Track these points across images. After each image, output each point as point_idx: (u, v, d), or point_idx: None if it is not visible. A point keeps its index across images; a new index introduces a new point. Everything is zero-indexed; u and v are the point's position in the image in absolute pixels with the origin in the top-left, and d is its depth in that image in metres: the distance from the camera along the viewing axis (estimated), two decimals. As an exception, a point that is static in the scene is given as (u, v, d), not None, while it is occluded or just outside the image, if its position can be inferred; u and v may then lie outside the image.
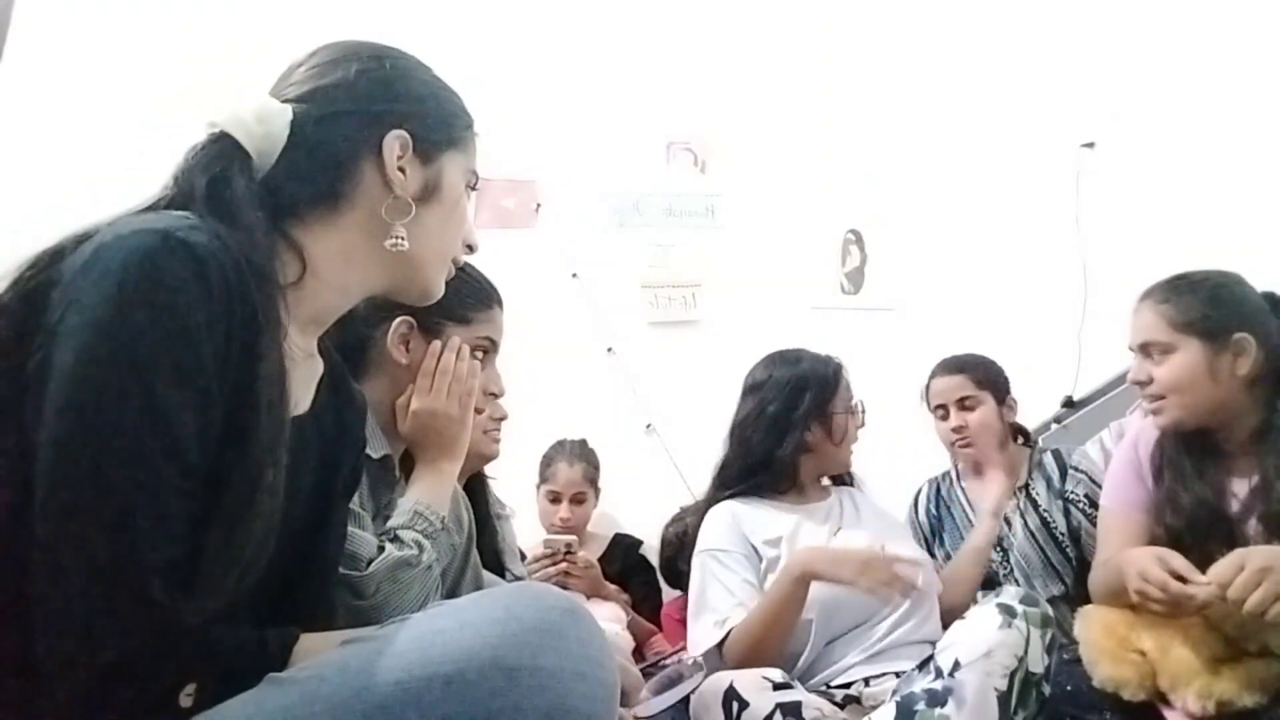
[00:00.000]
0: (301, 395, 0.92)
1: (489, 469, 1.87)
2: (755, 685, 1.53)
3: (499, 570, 1.82)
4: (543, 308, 3.00)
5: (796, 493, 1.97)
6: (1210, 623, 1.46)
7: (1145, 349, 1.66)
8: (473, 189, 1.03)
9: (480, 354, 1.39)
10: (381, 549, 1.20)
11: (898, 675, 1.66)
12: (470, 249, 1.06)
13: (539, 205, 3.16)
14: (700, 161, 3.22)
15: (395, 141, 0.91)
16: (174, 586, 0.70)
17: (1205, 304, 1.62)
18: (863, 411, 2.02)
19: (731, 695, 1.51)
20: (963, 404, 2.25)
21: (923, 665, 1.54)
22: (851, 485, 2.12)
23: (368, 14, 2.92)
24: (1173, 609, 1.43)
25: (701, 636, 1.78)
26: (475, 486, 1.82)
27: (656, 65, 3.13)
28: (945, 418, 2.28)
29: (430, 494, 1.30)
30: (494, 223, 3.14)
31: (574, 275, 3.08)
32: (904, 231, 3.07)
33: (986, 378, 2.28)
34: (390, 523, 1.26)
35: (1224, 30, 2.87)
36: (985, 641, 1.46)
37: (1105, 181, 2.94)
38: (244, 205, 0.82)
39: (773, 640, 1.70)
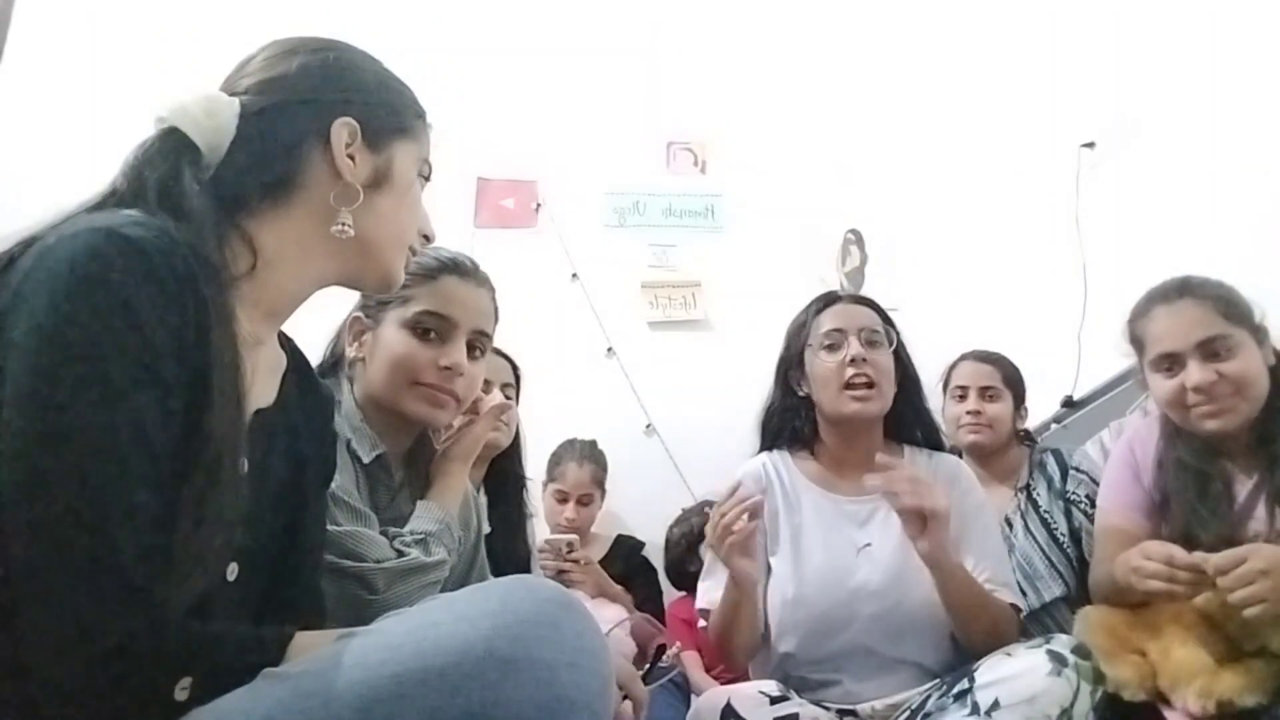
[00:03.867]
0: (265, 388, 0.93)
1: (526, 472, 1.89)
2: (753, 701, 1.49)
3: (527, 572, 1.83)
4: (543, 308, 3.01)
5: (831, 468, 1.76)
6: (1211, 623, 1.46)
7: (1208, 346, 1.55)
8: (426, 179, 1.03)
9: (427, 331, 1.35)
10: (399, 553, 1.21)
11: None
12: (426, 239, 1.06)
13: (539, 205, 3.16)
14: (700, 161, 3.22)
15: (343, 129, 0.92)
16: (156, 576, 0.70)
17: (1236, 295, 1.58)
18: (864, 341, 1.69)
19: (729, 712, 1.47)
20: (985, 392, 2.27)
21: (959, 697, 1.46)
22: (920, 442, 1.81)
23: (370, 14, 2.92)
24: (1171, 584, 1.40)
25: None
26: (509, 488, 1.83)
27: (656, 65, 3.13)
28: (962, 399, 2.28)
29: (451, 502, 1.34)
30: (494, 223, 3.15)
31: (574, 275, 3.08)
32: (904, 231, 3.07)
33: (1011, 376, 2.31)
34: (421, 526, 1.28)
35: (1224, 31, 2.87)
36: (1031, 687, 1.39)
37: (1105, 181, 2.94)
38: (193, 199, 0.83)
39: (728, 645, 1.65)
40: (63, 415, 0.69)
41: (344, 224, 0.92)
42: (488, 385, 1.81)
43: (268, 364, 0.94)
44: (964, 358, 2.35)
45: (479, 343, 1.40)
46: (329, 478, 1.10)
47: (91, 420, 0.69)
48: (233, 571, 0.86)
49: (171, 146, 0.86)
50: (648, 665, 1.64)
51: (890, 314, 1.82)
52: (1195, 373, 1.55)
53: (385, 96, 0.98)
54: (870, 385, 1.68)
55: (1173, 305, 1.61)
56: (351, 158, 0.92)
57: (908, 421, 1.80)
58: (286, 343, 1.01)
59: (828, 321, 1.75)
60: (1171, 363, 1.60)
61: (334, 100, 0.93)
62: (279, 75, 0.92)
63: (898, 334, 1.77)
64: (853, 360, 1.67)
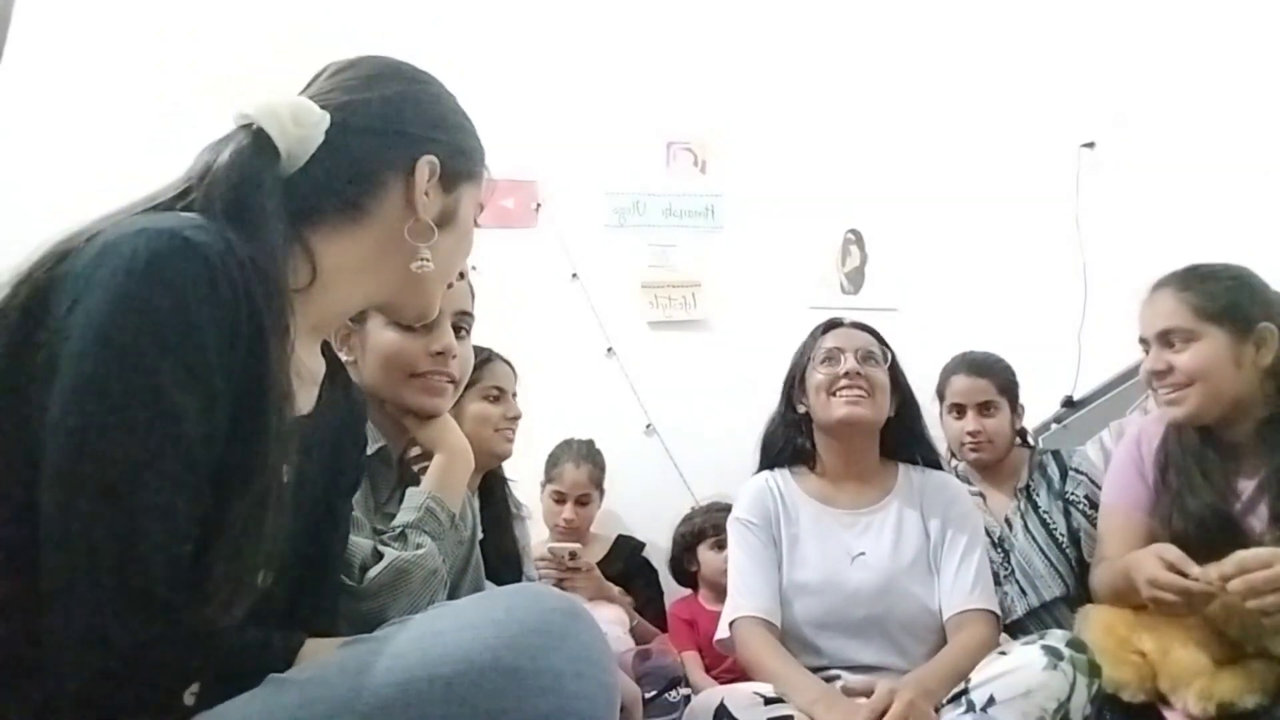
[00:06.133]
0: (305, 395, 0.93)
1: (505, 471, 1.88)
2: (747, 701, 1.50)
3: (518, 571, 1.81)
4: (543, 308, 3.01)
5: (829, 482, 1.86)
6: (1211, 624, 1.46)
7: (1165, 337, 1.63)
8: (477, 221, 1.06)
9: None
10: (379, 555, 1.20)
11: None
12: (461, 275, 1.09)
13: (539, 205, 3.16)
14: (700, 161, 3.21)
15: (427, 166, 0.93)
16: (181, 584, 0.70)
17: (1230, 292, 1.61)
18: (859, 358, 1.81)
19: (722, 713, 1.48)
20: (982, 409, 2.24)
21: (955, 696, 1.49)
22: (918, 462, 1.91)
23: (370, 14, 2.92)
24: (1187, 608, 1.42)
25: (722, 625, 1.78)
26: (494, 487, 1.83)
27: (656, 65, 3.13)
28: (960, 418, 2.27)
29: (445, 489, 1.31)
30: (494, 223, 3.14)
31: (574, 275, 3.08)
32: (904, 231, 3.06)
33: (1006, 384, 2.28)
34: (400, 518, 1.26)
35: (1224, 30, 2.88)
36: (1026, 681, 1.41)
37: (1105, 181, 2.94)
38: (266, 208, 0.83)
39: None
40: (106, 416, 0.69)
41: (424, 259, 0.93)
42: (502, 393, 1.81)
43: (309, 372, 0.95)
44: (956, 371, 2.31)
45: (463, 323, 1.42)
46: (357, 483, 1.10)
47: (133, 424, 0.69)
48: (266, 578, 0.85)
49: (256, 150, 0.85)
50: (654, 692, 1.64)
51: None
52: (1150, 359, 1.66)
53: (465, 140, 1.00)
54: (863, 394, 1.79)
55: (1154, 294, 1.68)
56: (427, 194, 0.93)
57: (905, 443, 1.92)
58: (326, 349, 1.01)
59: (828, 342, 1.88)
60: (1145, 346, 1.69)
61: (422, 136, 0.94)
62: (375, 99, 0.93)
63: (893, 356, 1.89)
64: (846, 373, 1.80)
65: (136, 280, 0.70)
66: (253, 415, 0.75)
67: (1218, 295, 1.61)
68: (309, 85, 0.95)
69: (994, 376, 2.27)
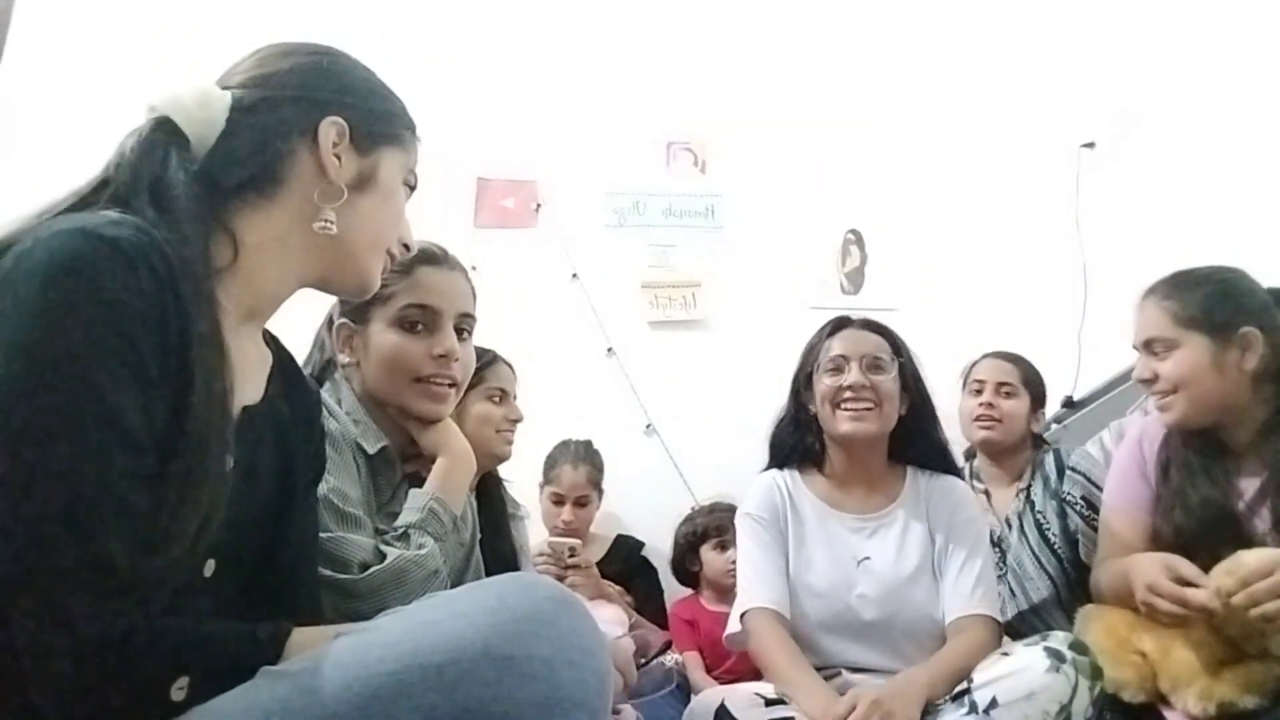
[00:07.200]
0: (251, 385, 0.93)
1: (503, 471, 1.88)
2: (747, 702, 1.50)
3: (514, 569, 1.82)
4: (543, 308, 3.01)
5: (836, 486, 1.84)
6: (1211, 625, 1.46)
7: (1149, 345, 1.65)
8: (412, 188, 1.04)
9: (414, 324, 1.37)
10: (382, 554, 1.20)
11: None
12: (406, 248, 1.07)
13: (539, 205, 3.16)
14: (700, 161, 3.22)
15: (331, 127, 0.93)
16: (145, 575, 0.71)
17: (1209, 299, 1.62)
18: (865, 367, 1.77)
19: (722, 713, 1.48)
20: (1001, 388, 2.28)
21: (957, 697, 1.49)
22: (944, 469, 1.87)
23: (371, 15, 2.92)
24: (1178, 620, 1.42)
25: (733, 620, 1.77)
26: (490, 487, 1.83)
27: (656, 65, 3.13)
28: (978, 394, 2.29)
29: (448, 490, 1.32)
30: (494, 223, 3.15)
31: (574, 275, 3.08)
32: (904, 231, 3.06)
33: (1032, 379, 2.33)
34: (403, 519, 1.27)
35: (1224, 31, 2.88)
36: (1028, 684, 1.40)
37: (1105, 181, 2.94)
38: (177, 192, 0.83)
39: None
40: (47, 417, 0.69)
41: (327, 220, 0.92)
42: (504, 395, 1.81)
43: (253, 361, 0.95)
44: (985, 356, 2.37)
45: (465, 325, 1.42)
46: (319, 473, 1.10)
47: (76, 421, 0.69)
48: (210, 568, 0.85)
49: (162, 137, 0.86)
50: (644, 660, 1.63)
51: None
52: (1138, 367, 1.68)
53: (376, 103, 0.99)
54: (869, 407, 1.76)
55: (1141, 303, 1.69)
56: (338, 157, 0.93)
57: (915, 445, 1.88)
58: (271, 341, 1.02)
59: (835, 347, 1.83)
60: (1139, 353, 1.70)
61: (324, 100, 0.94)
62: (272, 72, 0.93)
63: (909, 359, 1.86)
64: (850, 386, 1.76)
65: (56, 283, 0.71)
66: (185, 399, 0.76)
67: (1195, 302, 1.62)
68: (220, 78, 0.95)
69: (1020, 365, 2.33)
